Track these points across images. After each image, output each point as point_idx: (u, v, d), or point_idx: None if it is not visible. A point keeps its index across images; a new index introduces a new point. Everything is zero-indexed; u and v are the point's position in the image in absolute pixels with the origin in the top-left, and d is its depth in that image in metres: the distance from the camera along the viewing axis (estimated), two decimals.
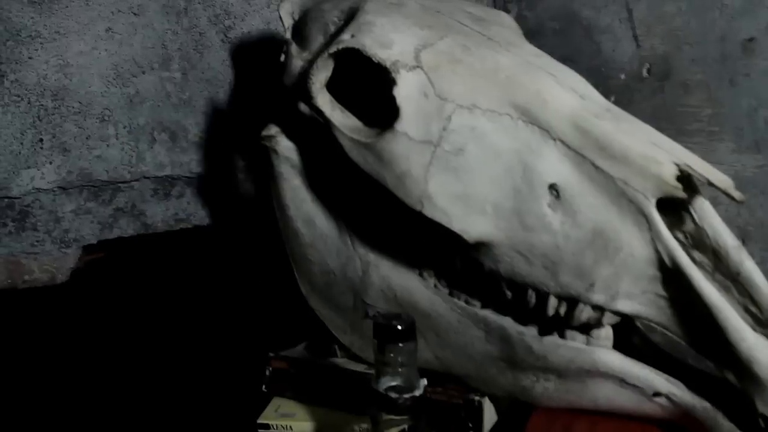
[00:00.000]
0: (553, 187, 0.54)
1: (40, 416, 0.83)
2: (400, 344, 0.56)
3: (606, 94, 0.63)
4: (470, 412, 0.65)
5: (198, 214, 0.93)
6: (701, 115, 0.83)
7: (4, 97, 0.82)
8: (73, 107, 0.85)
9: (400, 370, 0.58)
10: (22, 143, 0.83)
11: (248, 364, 0.78)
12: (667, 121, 0.86)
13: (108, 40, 0.85)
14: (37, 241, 0.86)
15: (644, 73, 0.88)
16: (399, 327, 0.56)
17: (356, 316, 0.70)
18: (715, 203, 0.76)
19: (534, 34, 0.92)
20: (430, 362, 0.67)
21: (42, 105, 0.84)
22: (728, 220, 0.77)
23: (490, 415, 0.66)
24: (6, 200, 0.84)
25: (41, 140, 0.84)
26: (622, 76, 0.90)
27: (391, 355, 0.57)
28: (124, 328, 0.87)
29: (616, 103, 0.62)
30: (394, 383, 0.58)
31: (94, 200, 0.88)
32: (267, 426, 0.71)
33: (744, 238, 0.82)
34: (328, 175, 0.67)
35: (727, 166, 0.82)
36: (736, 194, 0.52)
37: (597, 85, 0.63)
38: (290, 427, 0.71)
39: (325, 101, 0.62)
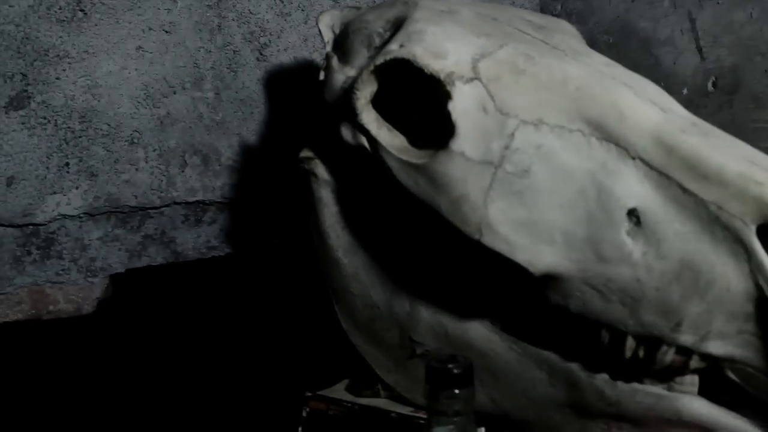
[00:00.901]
0: (633, 213, 0.48)
1: None
2: (456, 391, 0.50)
3: None
4: None
5: (231, 242, 0.88)
6: None
7: (31, 120, 0.78)
8: (101, 129, 0.81)
9: (455, 419, 0.51)
10: (48, 167, 0.79)
11: (284, 404, 0.72)
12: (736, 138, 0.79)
13: (138, 59, 0.81)
14: (63, 270, 0.82)
15: (710, 86, 0.81)
16: (455, 371, 0.50)
17: (403, 354, 0.64)
18: None
19: None
20: (484, 405, 0.60)
21: (69, 127, 0.80)
22: None
23: None
24: (30, 227, 0.80)
25: (68, 164, 0.80)
26: (685, 91, 0.83)
27: (446, 402, 0.51)
28: (151, 362, 0.82)
29: None
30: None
31: (122, 227, 0.84)
32: None
33: None
34: (370, 202, 0.61)
35: None
36: None
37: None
38: None
39: (371, 119, 0.57)
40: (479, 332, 0.59)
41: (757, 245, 0.45)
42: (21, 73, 0.77)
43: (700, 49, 0.82)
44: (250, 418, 0.77)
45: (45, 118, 0.79)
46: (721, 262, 0.46)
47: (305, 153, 0.65)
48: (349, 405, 0.68)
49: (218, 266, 0.88)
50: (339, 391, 0.71)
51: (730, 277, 0.46)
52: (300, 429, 0.70)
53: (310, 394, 0.70)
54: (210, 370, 0.82)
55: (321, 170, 0.63)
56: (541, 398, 0.57)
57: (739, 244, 0.45)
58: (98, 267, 0.84)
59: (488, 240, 0.51)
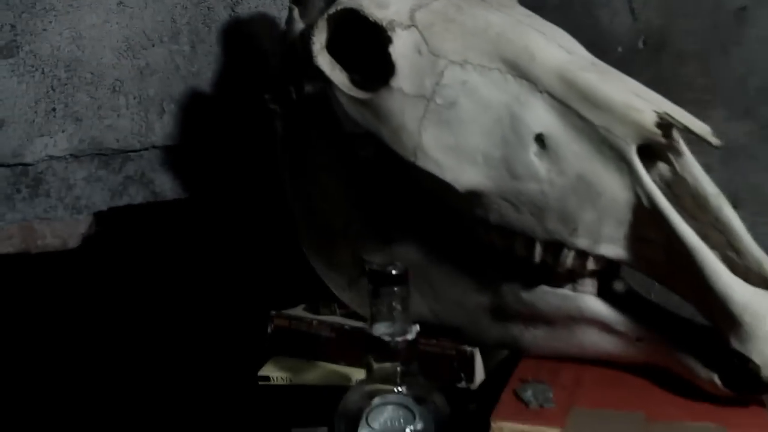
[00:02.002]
0: (539, 137, 0.57)
1: (47, 374, 0.87)
2: (394, 288, 0.59)
3: None
4: (462, 363, 0.68)
5: (206, 183, 0.97)
6: (695, 84, 0.86)
7: (20, 68, 0.86)
8: (85, 78, 0.89)
9: (393, 314, 0.61)
10: (36, 112, 0.87)
11: (252, 323, 0.82)
12: (662, 91, 0.88)
13: (119, 13, 0.89)
14: (50, 207, 0.90)
15: (640, 45, 0.90)
16: (393, 271, 0.59)
17: (355, 272, 0.74)
18: (708, 170, 0.80)
19: (535, 10, 0.95)
20: (425, 316, 0.70)
21: (55, 75, 0.88)
22: (721, 186, 0.80)
23: (480, 367, 0.69)
24: (20, 167, 0.88)
25: (54, 109, 0.88)
26: (620, 49, 0.92)
27: (385, 299, 0.60)
28: (131, 291, 0.91)
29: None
30: (387, 329, 0.61)
31: (104, 168, 0.92)
32: (267, 378, 0.75)
33: (736, 203, 0.84)
34: (324, 136, 0.70)
35: (719, 133, 0.84)
36: (714, 140, 0.55)
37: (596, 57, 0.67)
38: (289, 378, 0.74)
39: (325, 61, 0.66)
40: (420, 250, 0.69)
41: (636, 162, 0.55)
42: (10, 24, 0.85)
43: (632, 11, 0.91)
44: (224, 336, 0.87)
45: (33, 66, 0.87)
46: (608, 177, 0.56)
47: (269, 95, 0.74)
48: (309, 321, 0.78)
49: (194, 205, 0.97)
50: (299, 311, 0.81)
51: (616, 188, 0.56)
52: (266, 343, 0.80)
53: (274, 313, 0.80)
54: (185, 298, 0.92)
55: (282, 110, 0.72)
56: (471, 305, 0.67)
57: (623, 161, 0.55)
58: (83, 205, 0.92)
59: (422, 162, 0.61)
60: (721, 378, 0.56)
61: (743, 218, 0.82)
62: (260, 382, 0.76)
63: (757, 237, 0.80)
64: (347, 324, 0.75)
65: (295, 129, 0.75)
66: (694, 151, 0.80)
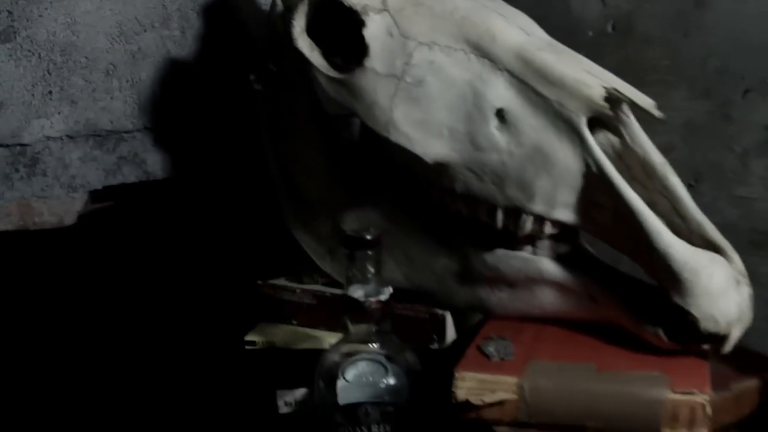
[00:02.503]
0: (499, 112, 0.63)
1: (45, 343, 0.93)
2: (368, 252, 0.65)
3: (576, 50, 0.72)
4: (435, 325, 0.74)
5: (195, 162, 1.02)
6: (659, 66, 0.91)
7: (17, 52, 0.91)
8: (80, 62, 0.94)
9: (368, 277, 0.66)
10: (33, 94, 0.92)
11: (241, 293, 0.87)
12: (629, 72, 0.94)
13: (112, 0, 0.94)
14: (47, 186, 0.95)
15: (609, 29, 0.96)
16: (367, 236, 0.65)
17: (335, 243, 0.79)
18: (670, 147, 0.86)
19: None
20: (399, 282, 0.76)
21: (51, 59, 0.93)
22: (683, 162, 0.86)
23: (451, 329, 0.75)
24: (18, 147, 0.94)
25: (50, 92, 0.93)
26: (590, 33, 0.98)
27: (360, 262, 0.66)
28: (124, 266, 0.96)
29: (585, 57, 0.71)
30: (362, 291, 0.66)
31: (99, 148, 0.98)
32: (253, 342, 0.81)
33: (697, 178, 0.90)
34: (303, 113, 0.76)
35: (681, 111, 0.90)
36: (656, 113, 0.60)
37: (567, 42, 0.72)
38: (274, 342, 0.80)
39: (305, 44, 0.71)
40: (394, 220, 0.74)
41: (586, 133, 0.61)
42: (7, 10, 0.90)
43: None
44: (214, 305, 0.93)
45: (30, 51, 0.92)
46: (562, 147, 0.62)
47: (254, 75, 0.80)
48: (293, 289, 0.84)
49: (184, 184, 1.03)
50: (284, 280, 0.86)
51: (568, 158, 0.62)
52: (251, 312, 0.85)
53: (260, 282, 0.86)
54: (177, 272, 0.97)
55: (265, 89, 0.78)
56: (441, 271, 0.73)
57: (575, 132, 0.61)
58: (78, 184, 0.97)
59: (393, 136, 0.66)
60: (665, 331, 0.62)
61: (703, 193, 0.89)
62: (247, 347, 0.81)
63: (717, 210, 0.86)
64: (328, 291, 0.81)
65: (277, 108, 0.80)
66: (657, 131, 0.87)
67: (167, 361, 0.93)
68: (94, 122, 0.96)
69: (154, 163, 1.01)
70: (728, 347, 0.60)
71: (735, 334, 0.60)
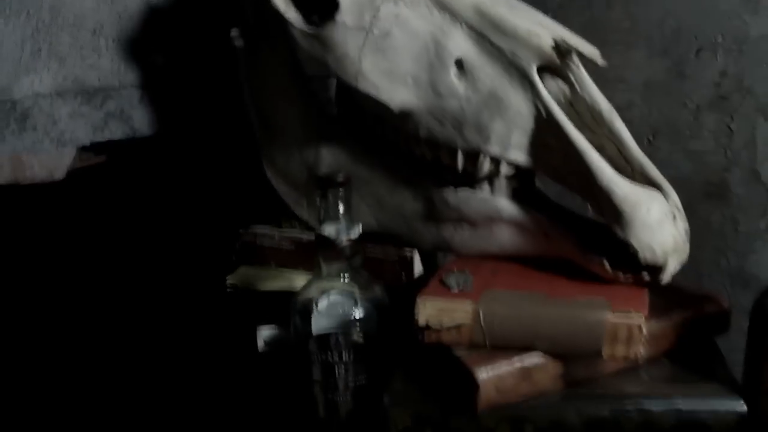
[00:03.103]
0: (458, 61, 0.69)
1: (33, 292, 0.99)
2: (339, 191, 0.72)
3: (545, 12, 0.77)
4: (403, 265, 0.81)
5: (182, 121, 1.08)
6: (621, 27, 0.97)
7: (6, 9, 0.96)
8: (68, 20, 0.99)
9: (339, 216, 0.73)
10: (22, 51, 0.98)
11: (224, 240, 0.94)
12: (593, 33, 1.00)
13: None
14: (37, 141, 1.01)
15: None
16: (338, 176, 0.72)
17: (310, 189, 0.86)
18: (630, 104, 0.92)
19: None
20: (371, 225, 0.82)
21: (40, 18, 0.98)
22: (642, 119, 0.93)
23: (419, 268, 0.82)
24: (9, 103, 0.99)
25: (39, 49, 0.99)
26: None
27: (331, 201, 0.72)
28: (111, 216, 1.02)
29: (554, 19, 0.76)
30: (334, 230, 0.73)
31: (87, 105, 1.03)
32: (235, 285, 0.87)
33: (654, 134, 0.97)
34: (280, 67, 0.82)
35: (640, 70, 0.97)
36: (600, 61, 0.67)
37: (535, 5, 0.78)
38: (253, 284, 0.87)
39: (280, 1, 0.77)
40: (366, 167, 0.81)
41: (536, 79, 0.67)
42: None
43: None
44: (197, 250, 0.99)
45: (19, 9, 0.97)
46: (514, 93, 0.68)
47: (234, 32, 0.85)
48: (272, 235, 0.90)
49: (170, 140, 1.08)
50: (264, 227, 0.93)
51: (520, 103, 0.68)
52: (234, 256, 0.92)
53: (242, 230, 0.92)
54: (164, 221, 1.04)
55: (245, 45, 0.84)
56: (409, 212, 0.79)
57: (526, 79, 0.68)
58: (67, 139, 1.03)
59: (362, 86, 0.72)
60: (609, 262, 0.68)
61: (660, 148, 0.95)
62: (228, 289, 0.88)
63: (672, 163, 0.93)
64: (304, 236, 0.87)
65: (257, 64, 0.86)
66: (618, 89, 0.93)
67: (155, 305, 0.99)
68: (82, 79, 1.01)
69: (141, 120, 1.06)
70: (666, 277, 0.67)
71: (671, 264, 0.66)
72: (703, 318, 0.73)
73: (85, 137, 1.04)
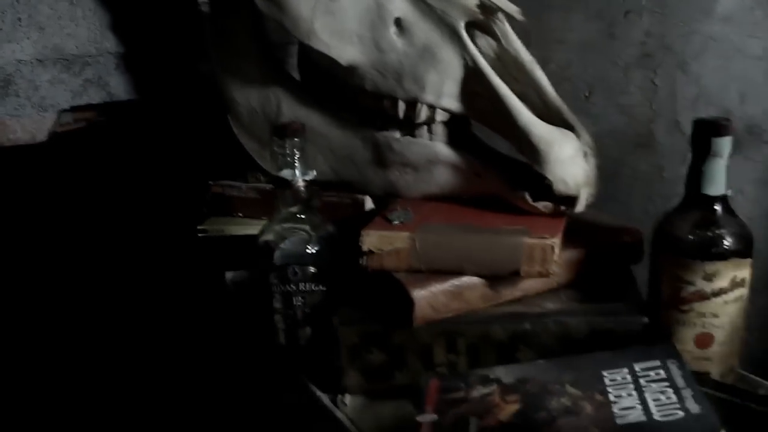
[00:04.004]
0: (397, 20, 0.80)
1: (16, 250, 1.09)
2: (294, 139, 0.82)
3: None
4: (356, 208, 0.91)
5: (155, 85, 1.18)
6: None
7: None
8: None
9: (295, 161, 0.83)
10: (3, 21, 1.07)
11: (195, 192, 1.04)
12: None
13: None
14: (19, 106, 1.11)
15: None
16: (293, 125, 0.82)
17: (272, 144, 0.96)
18: (569, 64, 1.03)
19: None
20: (326, 174, 0.93)
21: None
22: (579, 77, 1.04)
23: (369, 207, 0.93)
24: None
25: (20, 19, 1.08)
26: None
27: (288, 147, 0.82)
28: (88, 176, 1.12)
29: None
30: (291, 173, 0.83)
31: (66, 71, 1.13)
32: (205, 231, 0.97)
33: (590, 91, 1.08)
34: (245, 34, 0.92)
35: (577, 32, 1.07)
36: (519, 17, 0.77)
37: None
38: (222, 230, 0.97)
39: None
40: (321, 119, 0.91)
41: (464, 34, 0.78)
42: None
43: None
44: (173, 202, 1.09)
45: None
46: (446, 47, 0.79)
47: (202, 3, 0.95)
48: (239, 186, 1.00)
49: (145, 106, 1.18)
50: (232, 181, 1.03)
51: (451, 55, 0.79)
52: (204, 207, 1.02)
53: (211, 182, 1.02)
54: (139, 177, 1.14)
55: (211, 11, 0.94)
56: (359, 160, 0.90)
57: (455, 34, 0.78)
58: (48, 104, 1.13)
59: (314, 43, 0.83)
60: (531, 196, 0.79)
61: (595, 103, 1.06)
62: (199, 234, 0.98)
63: (606, 117, 1.04)
64: (269, 187, 0.97)
65: (222, 28, 0.96)
66: (557, 49, 1.04)
67: (134, 255, 1.09)
68: (61, 47, 1.11)
69: (117, 86, 1.16)
70: (579, 207, 0.78)
71: (583, 196, 0.77)
72: (620, 247, 0.84)
73: (65, 102, 1.13)
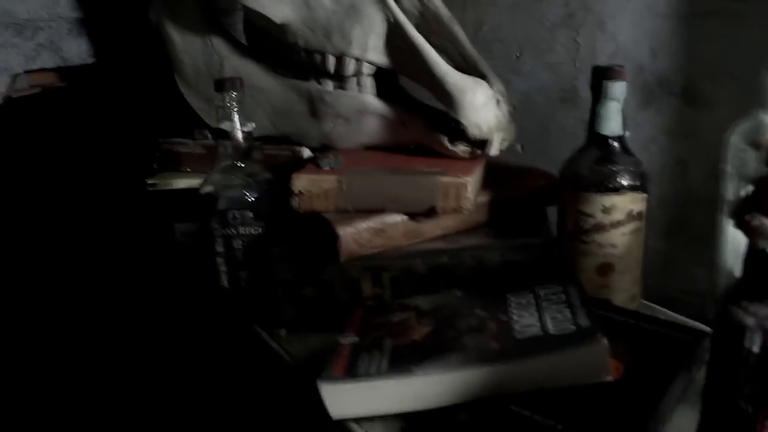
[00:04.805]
0: None
1: None
2: (233, 92, 0.89)
3: None
4: (295, 159, 0.99)
5: (107, 50, 1.25)
6: None
7: None
8: None
9: (234, 113, 0.91)
10: None
11: (148, 150, 1.11)
12: None
13: None
14: None
15: None
16: (231, 79, 0.89)
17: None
18: (500, 26, 1.11)
19: None
20: (267, 128, 1.01)
21: None
22: (510, 38, 1.12)
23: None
24: None
25: None
26: None
27: (227, 100, 0.90)
28: (42, 137, 1.19)
29: None
30: (230, 124, 0.91)
31: (18, 36, 1.19)
32: (154, 184, 1.05)
33: (520, 50, 1.16)
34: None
35: None
36: None
37: None
38: (170, 183, 1.05)
39: None
40: (261, 75, 0.99)
41: None
42: None
43: None
44: (125, 159, 1.16)
45: None
46: (369, 4, 0.86)
47: None
48: (186, 143, 1.08)
49: (97, 70, 1.25)
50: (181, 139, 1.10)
51: (374, 12, 0.86)
52: (154, 164, 1.09)
53: (161, 140, 1.09)
54: (92, 136, 1.21)
55: None
56: (296, 114, 0.98)
57: None
58: (2, 68, 1.19)
59: (250, 3, 0.90)
60: (449, 140, 0.88)
61: (525, 62, 1.15)
62: (149, 188, 1.06)
63: (534, 75, 1.12)
64: (219, 144, 1.05)
65: None
66: (491, 12, 1.12)
67: (88, 210, 1.17)
68: (13, 12, 1.17)
69: (70, 50, 1.23)
70: (493, 150, 0.87)
71: (496, 139, 0.86)
72: (536, 190, 0.92)
73: (19, 66, 1.20)
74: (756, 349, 0.52)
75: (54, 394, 1.21)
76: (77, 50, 1.23)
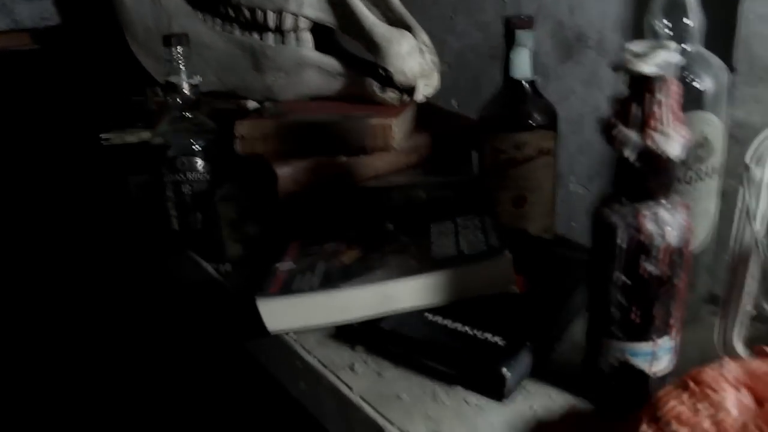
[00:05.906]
0: None
1: None
2: (179, 47, 0.98)
3: None
4: (242, 114, 1.09)
5: (60, 15, 1.33)
6: None
7: None
8: None
9: (182, 67, 1.00)
10: None
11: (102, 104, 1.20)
12: None
13: None
14: None
15: None
16: (177, 35, 0.98)
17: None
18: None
19: None
20: (214, 83, 1.10)
21: None
22: (446, 1, 1.21)
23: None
24: None
25: None
26: None
27: (174, 55, 0.99)
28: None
29: None
30: (177, 78, 1.00)
31: None
32: (108, 139, 1.14)
33: (454, 12, 1.26)
34: None
35: None
36: None
37: None
38: (123, 139, 1.14)
39: None
40: (207, 33, 1.08)
41: None
42: None
43: None
44: (84, 117, 1.25)
45: None
46: None
47: None
48: (139, 100, 1.17)
49: (50, 34, 1.33)
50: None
51: None
52: (109, 122, 1.18)
53: (114, 99, 1.18)
54: (45, 99, 1.29)
55: None
56: (240, 68, 1.07)
57: None
58: None
59: None
60: (380, 88, 0.98)
61: (459, 22, 1.24)
62: (103, 143, 1.15)
63: (468, 34, 1.22)
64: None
65: None
66: None
67: (47, 167, 1.25)
68: None
69: (22, 12, 1.30)
70: (418, 96, 0.97)
71: (421, 85, 0.96)
72: (459, 132, 1.03)
73: None
74: (624, 244, 0.62)
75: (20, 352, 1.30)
76: (29, 13, 1.30)
